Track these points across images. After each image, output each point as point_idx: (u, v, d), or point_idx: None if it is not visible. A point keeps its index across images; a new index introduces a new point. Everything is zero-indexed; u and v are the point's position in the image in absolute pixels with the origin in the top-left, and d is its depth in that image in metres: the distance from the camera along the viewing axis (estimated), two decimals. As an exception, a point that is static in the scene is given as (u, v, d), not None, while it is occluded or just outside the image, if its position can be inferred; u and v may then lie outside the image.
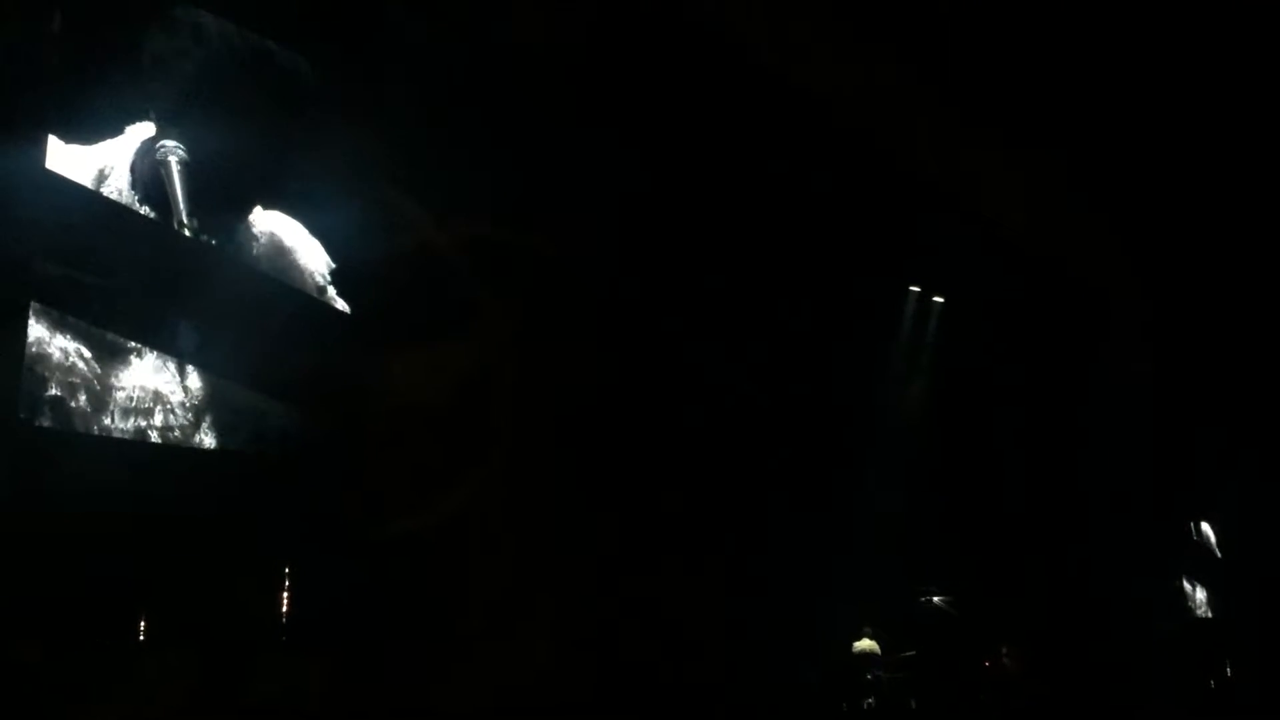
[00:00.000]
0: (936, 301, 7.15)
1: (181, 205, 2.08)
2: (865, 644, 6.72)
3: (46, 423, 2.02)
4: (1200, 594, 5.94)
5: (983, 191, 5.94)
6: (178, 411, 2.15)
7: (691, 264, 4.98)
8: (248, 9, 2.26)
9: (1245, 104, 5.28)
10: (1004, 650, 6.51)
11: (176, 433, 2.14)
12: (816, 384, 6.06)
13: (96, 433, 2.06)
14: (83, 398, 2.06)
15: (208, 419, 2.19)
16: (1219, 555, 6.09)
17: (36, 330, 2.05)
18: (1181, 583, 5.93)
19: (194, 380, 2.19)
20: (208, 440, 2.18)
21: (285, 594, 2.27)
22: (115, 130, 2.26)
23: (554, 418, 4.22)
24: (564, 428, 4.26)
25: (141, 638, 2.08)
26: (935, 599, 6.53)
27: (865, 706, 6.42)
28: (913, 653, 6.51)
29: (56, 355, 2.06)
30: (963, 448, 6.79)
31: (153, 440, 2.12)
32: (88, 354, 2.10)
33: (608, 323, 4.55)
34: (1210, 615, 5.90)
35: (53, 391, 2.04)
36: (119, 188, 2.21)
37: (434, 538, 3.30)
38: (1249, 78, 5.11)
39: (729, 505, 5.22)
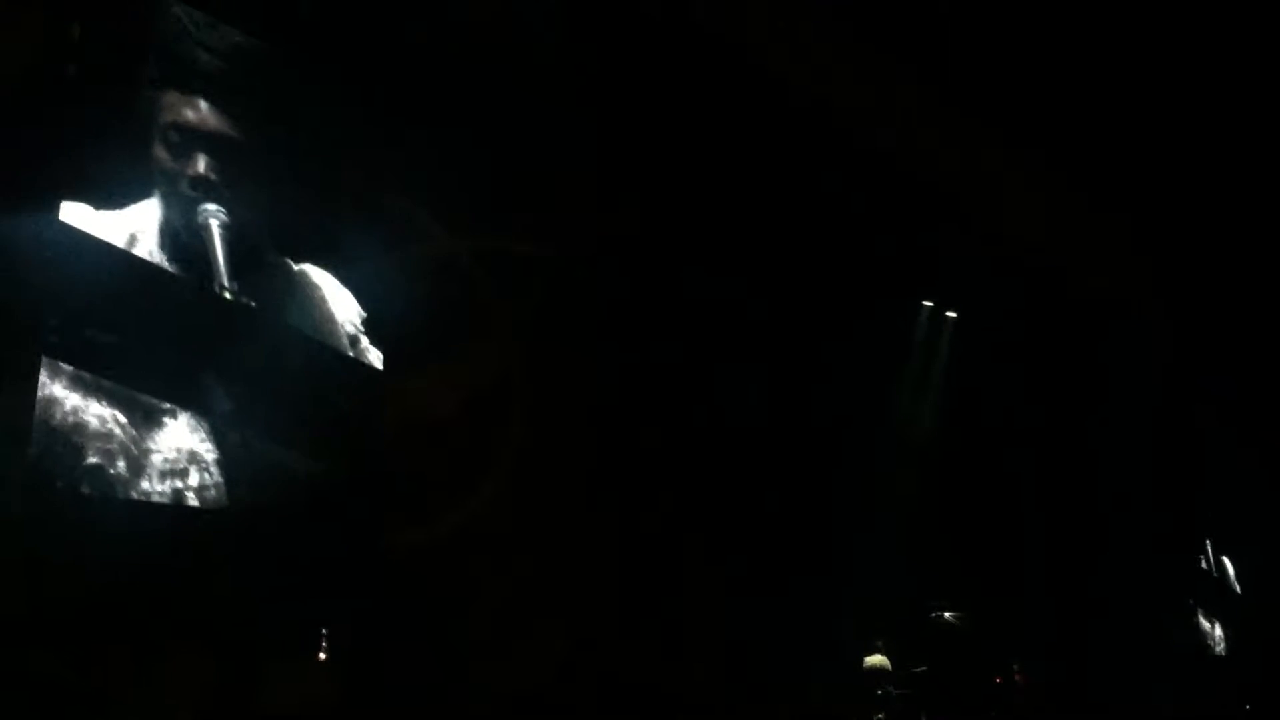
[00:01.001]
0: (949, 316, 7.13)
1: (223, 269, 2.11)
2: (876, 659, 6.71)
3: (86, 490, 2.04)
4: (1218, 630, 5.93)
5: (996, 203, 5.93)
6: (213, 470, 2.17)
7: (703, 276, 4.98)
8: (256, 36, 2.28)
9: (1264, 109, 5.27)
10: (1014, 666, 6.50)
11: (211, 491, 2.16)
12: (828, 398, 6.05)
13: (135, 497, 2.07)
14: (121, 464, 2.08)
15: (241, 475, 2.21)
16: (1237, 590, 6.09)
17: (73, 399, 2.08)
18: (1196, 611, 5.92)
19: (228, 438, 2.20)
20: (241, 495, 2.20)
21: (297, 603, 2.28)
22: (145, 194, 2.28)
23: (564, 428, 4.23)
24: (574, 438, 4.27)
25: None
26: (946, 615, 6.51)
27: (876, 722, 6.42)
28: (924, 668, 6.50)
29: (94, 423, 2.08)
30: (975, 464, 6.78)
31: (189, 499, 2.14)
32: (123, 419, 2.12)
33: (619, 334, 4.56)
34: (1227, 651, 5.89)
35: (91, 460, 2.06)
36: (149, 249, 2.24)
37: (445, 545, 3.33)
38: (1265, 79, 5.11)
39: (739, 519, 5.22)
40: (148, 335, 1.99)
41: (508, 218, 3.98)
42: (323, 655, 2.30)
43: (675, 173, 4.71)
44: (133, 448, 2.07)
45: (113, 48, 2.32)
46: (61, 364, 2.03)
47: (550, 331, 4.15)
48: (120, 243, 2.20)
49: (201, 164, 2.13)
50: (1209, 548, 6.11)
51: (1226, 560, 6.21)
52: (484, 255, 3.85)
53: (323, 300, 2.42)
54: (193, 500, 2.12)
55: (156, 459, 2.10)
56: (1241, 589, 6.17)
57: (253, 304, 2.14)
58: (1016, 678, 6.41)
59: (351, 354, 2.42)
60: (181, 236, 2.18)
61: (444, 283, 3.59)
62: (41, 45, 2.02)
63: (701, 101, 4.67)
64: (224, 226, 2.13)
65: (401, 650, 2.92)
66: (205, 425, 2.16)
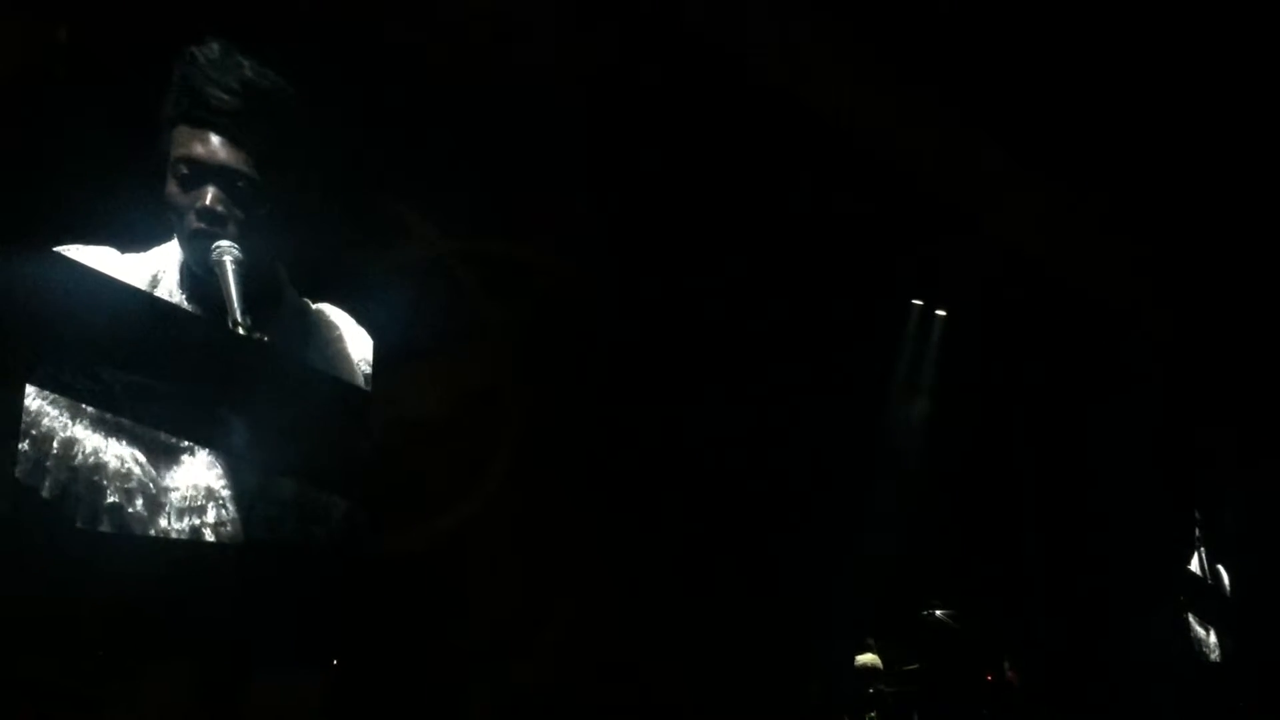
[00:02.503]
0: (940, 315, 7.15)
1: (236, 304, 2.12)
2: (868, 657, 6.78)
3: (105, 529, 2.07)
4: (1213, 637, 5.99)
5: (996, 209, 5.97)
6: (229, 507, 2.19)
7: (699, 278, 5.01)
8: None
9: (1265, 118, 5.30)
10: (1007, 665, 6.57)
11: (228, 528, 2.19)
12: (823, 396, 6.08)
13: (154, 535, 2.10)
14: (140, 502, 2.11)
15: (257, 512, 2.23)
16: (1231, 598, 6.14)
17: (94, 440, 2.11)
18: (1190, 616, 5.97)
19: (244, 475, 2.23)
20: (257, 533, 2.22)
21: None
22: (167, 234, 2.31)
23: (560, 430, 4.26)
24: (570, 443, 4.30)
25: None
26: (938, 613, 6.56)
27: (867, 720, 6.48)
28: (916, 666, 6.56)
29: (114, 463, 2.10)
30: (968, 462, 6.83)
31: (206, 536, 2.16)
32: (143, 459, 2.14)
33: (615, 339, 4.59)
34: (1221, 657, 5.94)
35: (111, 499, 2.08)
36: (169, 289, 2.26)
37: (438, 553, 3.36)
38: (1266, 88, 5.13)
39: (734, 520, 5.26)
40: (164, 373, 2.00)
41: (505, 223, 4.01)
42: (331, 665, 2.33)
43: (670, 175, 4.73)
44: (151, 486, 2.09)
45: (133, 90, 2.34)
46: (82, 405, 2.05)
47: (546, 334, 4.18)
48: (143, 283, 2.21)
49: (209, 197, 2.13)
50: (1204, 553, 6.16)
51: (1221, 567, 6.27)
52: (479, 260, 3.88)
53: (340, 338, 2.43)
54: (209, 536, 2.14)
55: (175, 496, 2.12)
56: (1236, 597, 6.23)
57: (265, 339, 2.14)
58: (1008, 676, 6.47)
59: (368, 389, 2.44)
60: (199, 274, 2.18)
61: (440, 286, 3.62)
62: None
63: (697, 103, 4.69)
64: (237, 262, 2.13)
65: (398, 654, 2.95)
66: (222, 462, 2.17)
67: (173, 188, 2.22)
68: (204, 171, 2.21)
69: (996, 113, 5.36)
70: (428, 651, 3.33)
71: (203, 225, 2.19)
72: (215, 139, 2.20)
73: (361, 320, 2.50)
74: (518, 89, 4.01)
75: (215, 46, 2.19)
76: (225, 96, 2.18)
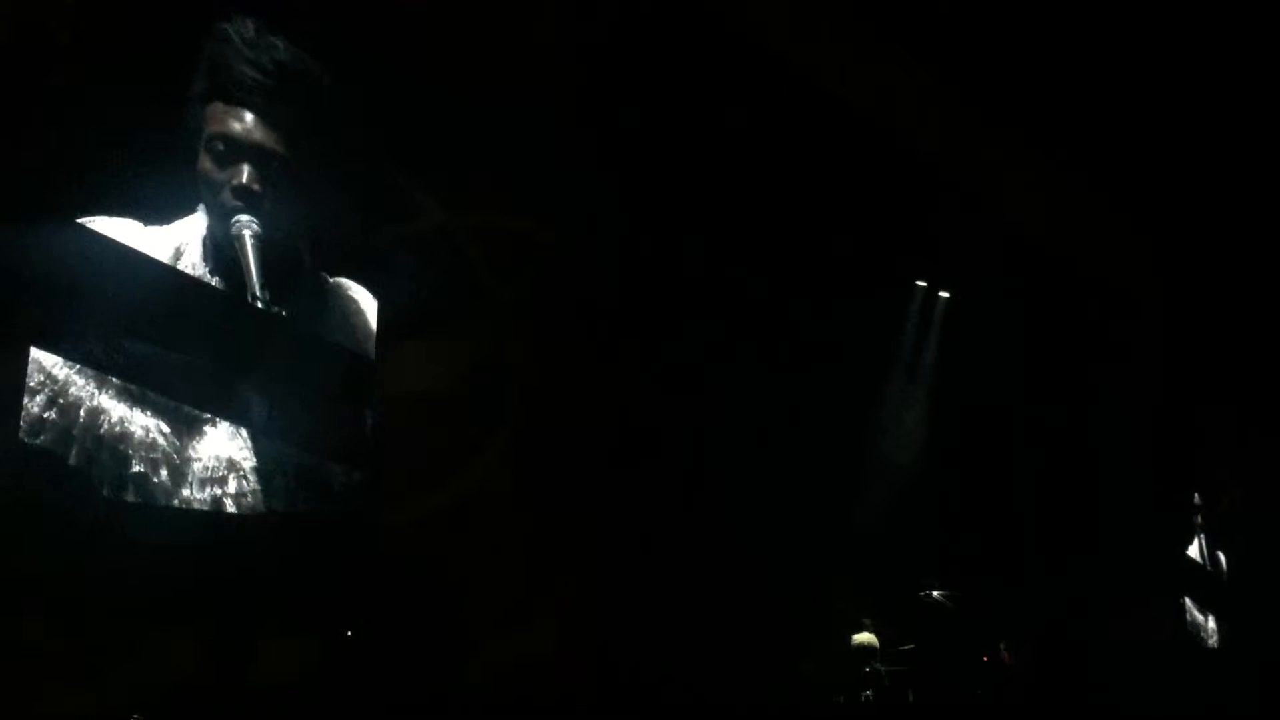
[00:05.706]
0: (943, 296, 7.16)
1: (255, 279, 2.15)
2: (864, 636, 6.80)
3: (131, 498, 2.09)
4: (1211, 623, 6.02)
5: (998, 189, 5.97)
6: (250, 478, 2.22)
7: (701, 256, 5.02)
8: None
9: (1266, 100, 5.31)
10: (1002, 646, 6.60)
11: (249, 498, 2.22)
12: (823, 376, 6.09)
13: (177, 504, 2.13)
14: (164, 472, 2.14)
15: (275, 483, 2.26)
16: (1229, 583, 6.18)
17: (120, 409, 2.13)
18: (1188, 601, 6.00)
19: (263, 446, 2.25)
20: (276, 504, 2.25)
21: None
22: (191, 208, 2.33)
23: (561, 408, 4.27)
24: (571, 419, 4.32)
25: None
26: (935, 593, 6.60)
27: (863, 699, 6.50)
28: (911, 646, 6.58)
29: (139, 433, 2.13)
30: (966, 443, 6.84)
31: (227, 506, 2.19)
32: (167, 429, 2.17)
33: (618, 317, 4.60)
34: (1219, 643, 5.97)
35: (136, 468, 2.11)
36: (192, 262, 2.28)
37: (439, 525, 3.38)
38: (1266, 69, 5.14)
39: (731, 498, 5.27)
40: (184, 345, 2.03)
41: (510, 197, 4.02)
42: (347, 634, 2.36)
43: (675, 153, 4.73)
44: (175, 456, 2.11)
45: (160, 66, 2.36)
46: (107, 375, 2.07)
47: (557, 317, 4.19)
48: (166, 256, 2.23)
49: (245, 175, 2.15)
50: (1204, 538, 6.19)
51: (1220, 553, 6.29)
52: (485, 235, 3.89)
53: (357, 311, 2.46)
54: (230, 506, 2.17)
55: (197, 467, 2.15)
56: (1235, 583, 6.27)
57: (283, 313, 2.17)
58: (1003, 657, 6.51)
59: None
60: (223, 248, 2.21)
61: (445, 260, 3.64)
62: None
63: (715, 95, 4.69)
64: (256, 237, 2.15)
65: (398, 634, 2.97)
66: (243, 434, 2.20)
67: (207, 163, 2.25)
68: (239, 149, 2.24)
69: (998, 93, 5.36)
70: (428, 622, 3.36)
71: (239, 203, 2.22)
72: (250, 117, 2.23)
73: (378, 295, 2.53)
74: (523, 65, 4.02)
75: (250, 25, 2.22)
76: (260, 76, 2.21)
